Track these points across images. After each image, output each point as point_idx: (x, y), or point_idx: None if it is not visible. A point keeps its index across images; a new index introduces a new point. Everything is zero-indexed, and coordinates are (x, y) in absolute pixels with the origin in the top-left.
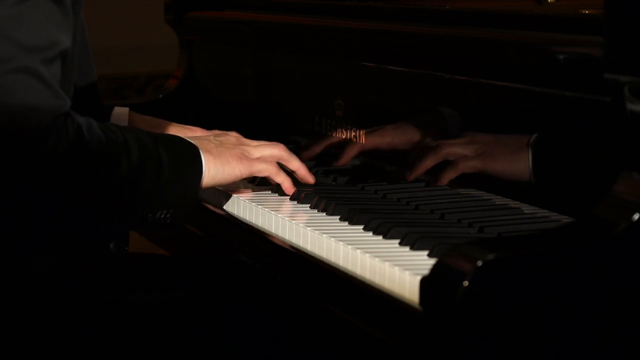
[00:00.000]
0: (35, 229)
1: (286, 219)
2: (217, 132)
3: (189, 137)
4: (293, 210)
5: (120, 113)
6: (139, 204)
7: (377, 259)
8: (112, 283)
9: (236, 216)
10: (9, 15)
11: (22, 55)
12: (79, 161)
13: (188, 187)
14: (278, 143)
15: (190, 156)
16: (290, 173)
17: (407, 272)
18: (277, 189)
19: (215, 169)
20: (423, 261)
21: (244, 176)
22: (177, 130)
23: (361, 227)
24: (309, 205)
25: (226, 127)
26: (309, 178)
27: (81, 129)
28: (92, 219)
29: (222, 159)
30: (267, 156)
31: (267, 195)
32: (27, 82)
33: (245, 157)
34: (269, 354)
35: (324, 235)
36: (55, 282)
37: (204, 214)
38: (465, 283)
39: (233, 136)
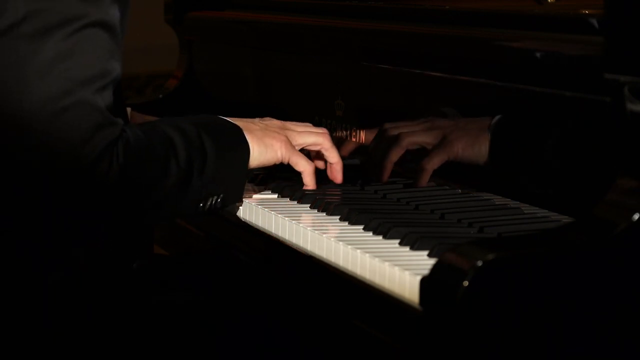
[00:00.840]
0: (87, 246)
1: (286, 219)
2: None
3: (233, 119)
4: (293, 210)
5: None
6: (189, 198)
7: (377, 259)
8: (115, 284)
9: (236, 216)
10: (60, 50)
11: (77, 88)
12: (130, 180)
13: (235, 170)
14: (324, 130)
15: (235, 139)
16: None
17: (407, 272)
18: (277, 190)
19: (259, 150)
20: (423, 261)
21: (285, 161)
22: None
23: (361, 227)
24: (309, 205)
25: None
26: (340, 177)
27: (129, 147)
28: (142, 222)
29: (266, 140)
30: (310, 143)
31: (267, 195)
32: (83, 114)
33: (288, 142)
34: (268, 353)
35: (324, 235)
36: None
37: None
38: (465, 283)
39: (277, 121)
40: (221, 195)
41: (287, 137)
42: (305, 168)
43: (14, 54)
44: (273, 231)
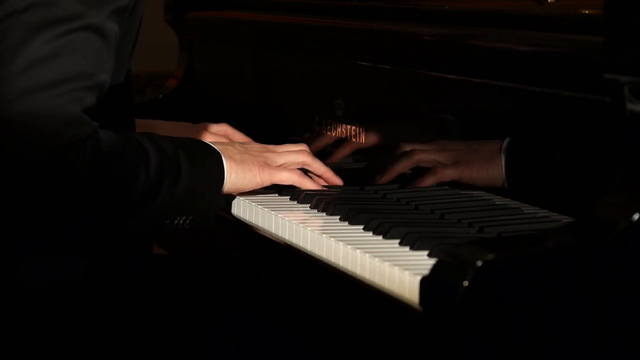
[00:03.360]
0: (51, 237)
1: (286, 219)
2: (243, 140)
3: (213, 143)
4: (293, 210)
5: None
6: (156, 212)
7: (377, 259)
8: (113, 285)
9: (236, 216)
10: (51, 45)
11: (58, 84)
12: (95, 180)
13: (208, 193)
14: (302, 148)
15: (212, 162)
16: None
17: (407, 272)
18: (277, 189)
19: (236, 175)
20: (423, 261)
21: (266, 184)
22: (171, 128)
23: (361, 227)
24: (309, 205)
25: None
26: (336, 180)
27: (99, 147)
28: (107, 228)
29: (245, 166)
30: (290, 163)
31: (267, 195)
32: (56, 109)
33: (267, 166)
34: (268, 353)
35: (324, 235)
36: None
37: None
38: (465, 283)
39: (257, 143)
40: (190, 217)
41: (265, 160)
42: (292, 180)
43: (8, 39)
44: (273, 231)
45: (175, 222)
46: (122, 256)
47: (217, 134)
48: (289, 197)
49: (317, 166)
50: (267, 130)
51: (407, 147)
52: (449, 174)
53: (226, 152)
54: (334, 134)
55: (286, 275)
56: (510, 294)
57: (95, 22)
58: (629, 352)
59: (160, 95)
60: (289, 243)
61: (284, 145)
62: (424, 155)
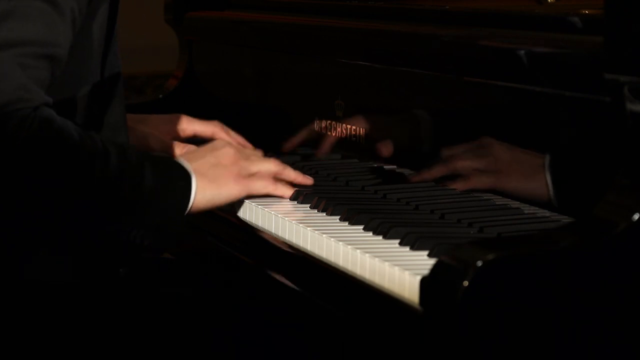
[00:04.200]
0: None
1: (286, 219)
2: (215, 143)
3: (186, 157)
4: (293, 210)
5: None
6: (111, 214)
7: (377, 259)
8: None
9: (236, 216)
10: (4, 7)
11: (5, 46)
12: (41, 153)
13: (171, 210)
14: (271, 158)
15: (179, 179)
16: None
17: (407, 272)
18: None
19: (211, 193)
20: (423, 261)
21: (242, 196)
22: (161, 120)
23: (361, 227)
24: (309, 205)
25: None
26: (308, 181)
27: (51, 124)
28: (54, 216)
29: (220, 181)
30: (263, 171)
31: (267, 195)
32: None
33: (241, 177)
34: (268, 353)
35: (324, 235)
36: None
37: (202, 214)
38: (465, 283)
39: (230, 148)
40: (149, 233)
41: (239, 170)
42: (267, 189)
43: None
44: (273, 231)
45: (133, 233)
46: (109, 261)
47: (203, 133)
48: (289, 198)
49: (288, 173)
50: (267, 131)
51: (446, 154)
52: (470, 166)
53: (199, 170)
54: (334, 134)
55: (286, 275)
56: (510, 294)
57: None
58: (629, 352)
59: (160, 95)
60: (289, 243)
61: (253, 153)
62: (449, 150)
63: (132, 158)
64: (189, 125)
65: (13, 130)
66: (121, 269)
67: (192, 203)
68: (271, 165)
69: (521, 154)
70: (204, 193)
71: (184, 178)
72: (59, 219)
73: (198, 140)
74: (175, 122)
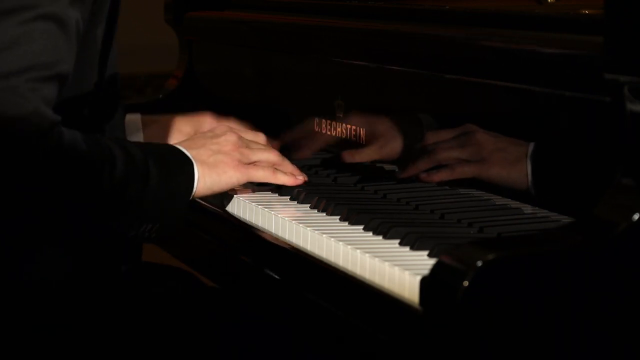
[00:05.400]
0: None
1: (286, 219)
2: (216, 129)
3: (187, 144)
4: (293, 210)
5: (133, 120)
6: (119, 217)
7: (377, 259)
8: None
9: (236, 216)
10: (6, 36)
11: (13, 75)
12: (54, 175)
13: (175, 200)
14: (272, 149)
15: (182, 169)
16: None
17: (407, 272)
18: (277, 189)
19: (211, 179)
20: (423, 261)
21: (242, 183)
22: (186, 121)
23: (361, 227)
24: (309, 205)
25: None
26: (301, 178)
27: (60, 144)
28: (59, 219)
29: (219, 169)
30: (263, 160)
31: (267, 195)
32: (10, 101)
33: (242, 165)
34: (268, 353)
35: (324, 235)
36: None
37: (203, 214)
38: (465, 283)
39: (231, 135)
40: (156, 225)
41: (240, 158)
42: (267, 177)
43: None
44: (273, 231)
45: (142, 229)
46: (111, 259)
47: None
48: (289, 197)
49: (287, 165)
50: (267, 131)
51: (432, 144)
52: (470, 166)
53: (199, 158)
54: (334, 134)
55: (285, 275)
56: (510, 294)
57: (52, 11)
58: (629, 352)
59: (160, 95)
60: (289, 243)
61: (254, 141)
62: (449, 151)
63: (137, 158)
64: (199, 123)
65: (26, 155)
66: (123, 266)
67: (194, 191)
68: (271, 155)
69: (521, 154)
70: (204, 180)
71: (187, 167)
72: (65, 221)
73: None
74: (206, 121)
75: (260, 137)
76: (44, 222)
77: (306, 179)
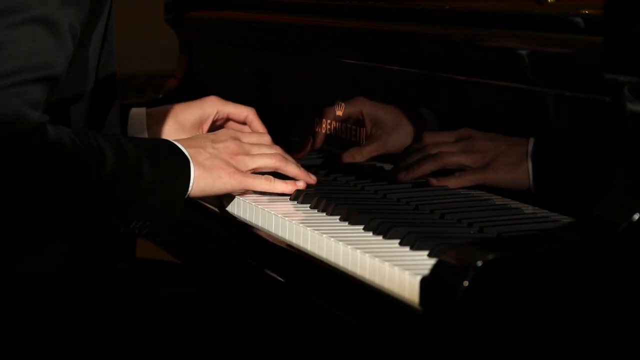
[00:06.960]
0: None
1: (286, 219)
2: (219, 134)
3: (186, 143)
4: (293, 210)
5: (138, 114)
6: (111, 212)
7: (377, 259)
8: (113, 283)
9: (236, 216)
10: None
11: (3, 78)
12: (38, 172)
13: (170, 199)
14: (276, 150)
15: (178, 168)
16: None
17: (407, 272)
18: None
19: (205, 182)
20: (423, 261)
21: (236, 191)
22: (191, 111)
23: (361, 227)
24: (309, 205)
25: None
26: (310, 180)
27: (45, 141)
28: (56, 222)
29: (214, 173)
30: (262, 167)
31: (267, 194)
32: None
33: (238, 172)
34: (268, 353)
35: (324, 235)
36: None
37: (203, 214)
38: (465, 283)
39: (232, 142)
40: (148, 222)
41: (236, 165)
42: (262, 186)
43: None
44: (273, 231)
45: (132, 225)
46: (105, 256)
47: (237, 116)
48: (289, 197)
49: (290, 169)
50: (267, 131)
51: (432, 145)
52: (471, 166)
53: (197, 158)
54: (334, 134)
55: (286, 274)
56: (510, 294)
57: (42, 13)
58: (629, 352)
59: (160, 95)
60: (289, 243)
61: (259, 145)
62: (450, 151)
63: (130, 155)
64: (223, 107)
65: (7, 157)
66: (118, 263)
67: (190, 191)
68: (272, 161)
69: (521, 154)
70: (198, 182)
71: (183, 167)
72: (53, 218)
73: None
74: (208, 105)
75: (266, 139)
76: (34, 219)
77: (312, 179)
